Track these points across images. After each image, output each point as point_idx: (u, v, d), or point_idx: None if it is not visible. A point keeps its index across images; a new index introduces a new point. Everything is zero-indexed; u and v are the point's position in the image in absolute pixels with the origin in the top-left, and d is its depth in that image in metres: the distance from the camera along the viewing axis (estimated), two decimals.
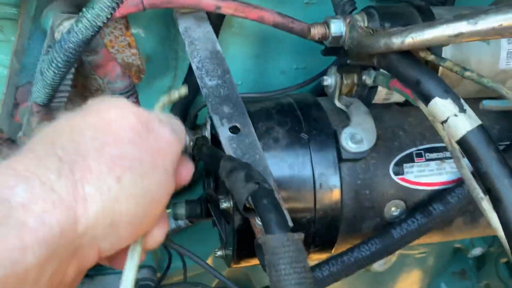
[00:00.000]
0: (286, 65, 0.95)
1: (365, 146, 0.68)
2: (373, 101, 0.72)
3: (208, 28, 0.76)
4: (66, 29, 0.60)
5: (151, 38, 0.85)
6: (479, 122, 0.52)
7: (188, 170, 0.50)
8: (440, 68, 0.65)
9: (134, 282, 0.40)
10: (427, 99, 0.54)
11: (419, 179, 0.71)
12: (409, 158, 0.71)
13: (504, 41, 0.69)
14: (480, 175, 0.51)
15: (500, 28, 0.46)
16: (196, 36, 0.75)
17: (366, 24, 0.66)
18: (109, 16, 0.56)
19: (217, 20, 0.79)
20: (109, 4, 0.54)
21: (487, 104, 0.50)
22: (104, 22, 0.56)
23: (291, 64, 0.95)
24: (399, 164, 0.71)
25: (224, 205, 0.67)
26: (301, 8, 0.86)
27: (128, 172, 0.38)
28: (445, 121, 0.53)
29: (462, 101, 0.52)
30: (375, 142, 0.69)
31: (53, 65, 0.58)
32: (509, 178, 0.49)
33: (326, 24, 0.67)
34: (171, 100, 0.59)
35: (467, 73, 0.60)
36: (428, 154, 0.72)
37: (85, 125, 0.39)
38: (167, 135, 0.44)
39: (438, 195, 0.71)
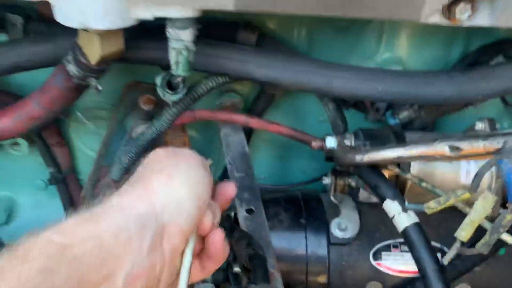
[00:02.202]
0: (305, 165, 1.18)
1: (349, 234, 0.88)
2: (359, 200, 0.92)
3: (241, 134, 1.02)
4: (140, 131, 0.89)
5: (202, 138, 1.12)
6: (417, 220, 0.71)
7: (231, 187, 0.62)
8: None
9: (191, 264, 0.52)
10: (382, 200, 0.74)
11: (394, 266, 0.88)
12: (387, 248, 0.89)
13: (463, 161, 0.88)
14: (414, 259, 0.69)
15: (423, 154, 0.67)
16: (231, 140, 1.01)
17: (353, 142, 0.89)
18: (169, 125, 0.83)
19: (249, 130, 1.05)
20: (170, 118, 0.82)
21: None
22: (166, 129, 0.83)
23: (310, 164, 1.18)
24: (378, 252, 0.88)
25: (235, 269, 0.87)
26: (317, 124, 1.11)
27: (173, 171, 0.53)
28: (393, 217, 0.72)
29: (406, 203, 0.72)
30: (360, 232, 0.89)
31: (128, 154, 0.86)
32: (434, 263, 0.67)
33: (324, 139, 0.90)
34: None
35: (423, 184, 0.80)
36: (404, 246, 0.89)
37: (137, 169, 0.56)
38: (188, 151, 0.59)
39: (409, 281, 0.87)
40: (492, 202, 0.54)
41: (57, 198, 1.13)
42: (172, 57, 0.70)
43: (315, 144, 0.91)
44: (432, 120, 0.96)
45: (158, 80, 0.76)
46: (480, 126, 0.91)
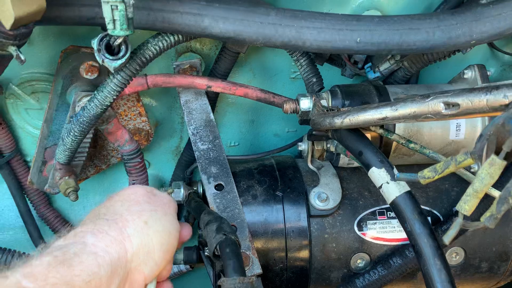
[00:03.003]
0: (278, 129, 1.07)
1: (330, 204, 0.79)
2: (340, 165, 0.83)
3: (204, 101, 0.90)
4: (84, 104, 0.76)
5: (160, 106, 1.00)
6: (408, 189, 0.62)
7: (187, 230, 0.67)
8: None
9: None
10: (367, 168, 0.65)
11: (381, 234, 0.80)
12: (373, 216, 0.81)
13: None
14: (406, 233, 0.61)
15: (414, 114, 0.57)
16: (193, 107, 0.89)
17: (330, 102, 0.79)
18: (115, 97, 0.71)
19: (213, 94, 0.93)
20: (115, 88, 0.69)
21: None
22: (111, 102, 0.71)
23: (283, 128, 1.07)
24: (363, 220, 0.80)
25: (207, 252, 0.78)
26: (288, 82, 1.00)
27: (149, 217, 0.57)
28: (380, 187, 0.63)
29: (395, 172, 0.63)
30: (342, 200, 0.80)
31: (71, 134, 0.74)
32: (428, 237, 0.58)
33: (297, 100, 0.80)
34: None
35: (411, 145, 0.71)
36: (390, 213, 0.81)
37: (114, 201, 0.59)
38: (166, 196, 0.64)
39: (398, 250, 0.79)
40: (501, 169, 0.45)
41: (3, 183, 1.01)
42: (106, 14, 0.57)
43: (288, 107, 0.80)
44: (416, 71, 0.86)
45: (94, 44, 0.62)
46: (469, 74, 0.82)
